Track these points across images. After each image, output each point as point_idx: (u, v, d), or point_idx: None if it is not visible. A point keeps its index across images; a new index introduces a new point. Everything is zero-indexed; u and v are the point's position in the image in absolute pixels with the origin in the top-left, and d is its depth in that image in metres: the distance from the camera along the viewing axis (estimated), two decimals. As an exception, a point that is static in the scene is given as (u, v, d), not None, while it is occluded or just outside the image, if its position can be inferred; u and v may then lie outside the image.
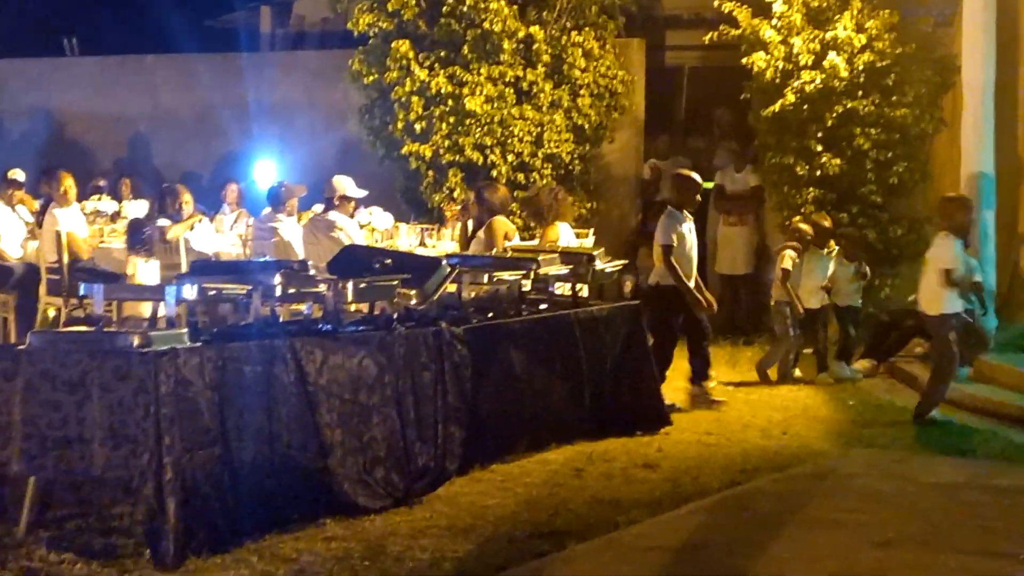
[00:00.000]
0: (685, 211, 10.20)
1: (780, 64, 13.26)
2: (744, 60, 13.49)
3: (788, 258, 11.55)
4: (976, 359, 11.04)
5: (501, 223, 10.80)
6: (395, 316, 7.65)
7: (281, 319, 7.41)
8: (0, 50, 16.96)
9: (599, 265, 9.50)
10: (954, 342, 9.68)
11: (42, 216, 12.02)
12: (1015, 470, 8.31)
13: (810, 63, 13.13)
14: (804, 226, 11.83)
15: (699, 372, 10.27)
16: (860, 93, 13.13)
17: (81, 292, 7.56)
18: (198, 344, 6.39)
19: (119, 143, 16.86)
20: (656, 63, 15.62)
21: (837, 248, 11.92)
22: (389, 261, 7.96)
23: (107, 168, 16.31)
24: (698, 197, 10.47)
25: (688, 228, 10.16)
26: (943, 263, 9.64)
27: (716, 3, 13.63)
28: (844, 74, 13.00)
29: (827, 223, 11.98)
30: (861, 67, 13.06)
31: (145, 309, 7.27)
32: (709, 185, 14.91)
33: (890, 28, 13.16)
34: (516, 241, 10.97)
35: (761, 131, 13.76)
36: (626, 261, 11.10)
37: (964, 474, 8.08)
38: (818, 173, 13.18)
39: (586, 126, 14.02)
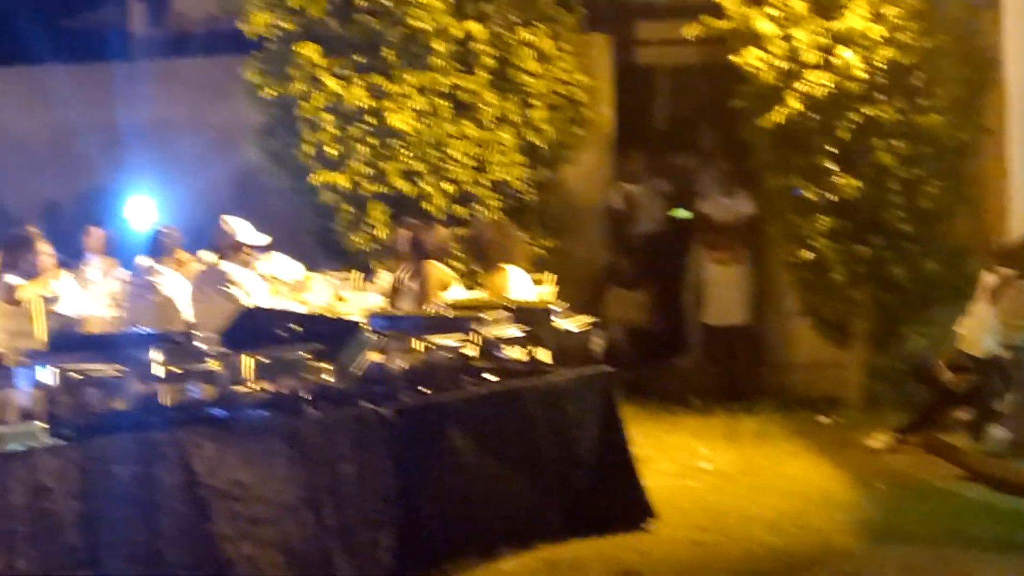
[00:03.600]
0: None
1: (779, 63, 13.30)
2: (734, 58, 13.49)
3: None
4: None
5: (435, 269, 10.88)
6: (307, 396, 7.67)
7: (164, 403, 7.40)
8: None
9: (560, 322, 9.52)
10: None
11: None
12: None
13: (818, 62, 13.20)
14: None
15: None
16: (881, 97, 13.19)
17: None
18: (60, 442, 6.38)
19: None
20: (626, 64, 15.68)
21: None
22: (298, 327, 7.97)
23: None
24: None
25: None
26: None
27: (696, -14, 13.65)
28: (860, 74, 13.07)
29: None
30: (881, 65, 13.12)
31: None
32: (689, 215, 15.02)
33: (915, 16, 13.17)
34: (456, 291, 11.00)
35: (758, 146, 13.83)
36: (596, 318, 11.07)
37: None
38: (831, 197, 13.27)
39: (541, 145, 14.09)
